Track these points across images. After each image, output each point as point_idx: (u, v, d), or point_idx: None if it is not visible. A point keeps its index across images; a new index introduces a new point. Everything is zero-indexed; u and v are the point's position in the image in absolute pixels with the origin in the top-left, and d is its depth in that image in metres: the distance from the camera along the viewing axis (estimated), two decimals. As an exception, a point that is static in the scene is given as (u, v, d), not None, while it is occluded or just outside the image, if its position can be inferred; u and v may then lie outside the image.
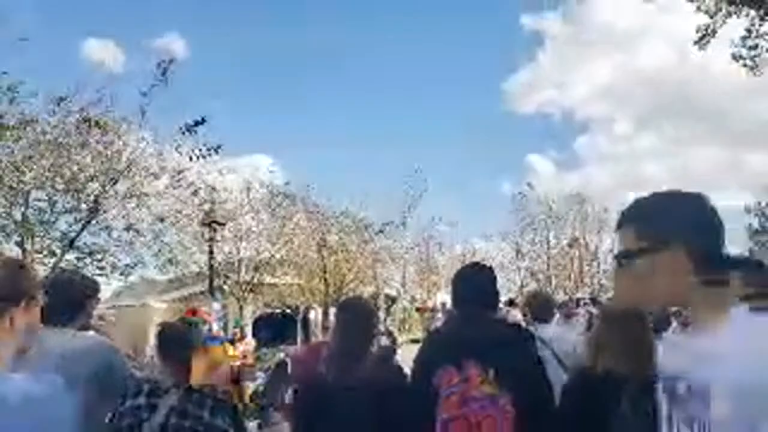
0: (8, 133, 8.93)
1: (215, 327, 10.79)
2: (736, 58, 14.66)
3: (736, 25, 14.05)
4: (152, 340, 2.93)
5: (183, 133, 9.87)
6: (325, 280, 17.98)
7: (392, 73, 67.42)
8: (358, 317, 2.55)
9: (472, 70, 71.31)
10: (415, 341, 16.23)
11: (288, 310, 20.31)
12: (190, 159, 9.44)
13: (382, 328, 11.03)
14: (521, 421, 2.07)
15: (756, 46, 14.39)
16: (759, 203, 35.39)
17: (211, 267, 12.29)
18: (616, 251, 1.26)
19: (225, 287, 16.21)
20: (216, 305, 11.68)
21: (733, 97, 70.00)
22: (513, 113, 72.58)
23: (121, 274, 11.22)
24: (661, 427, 1.21)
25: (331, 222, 20.42)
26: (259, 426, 7.42)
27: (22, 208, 9.75)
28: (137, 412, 2.01)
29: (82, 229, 10.13)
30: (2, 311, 1.40)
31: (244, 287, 16.16)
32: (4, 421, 1.27)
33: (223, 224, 12.81)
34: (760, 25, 13.87)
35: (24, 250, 9.49)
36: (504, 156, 72.86)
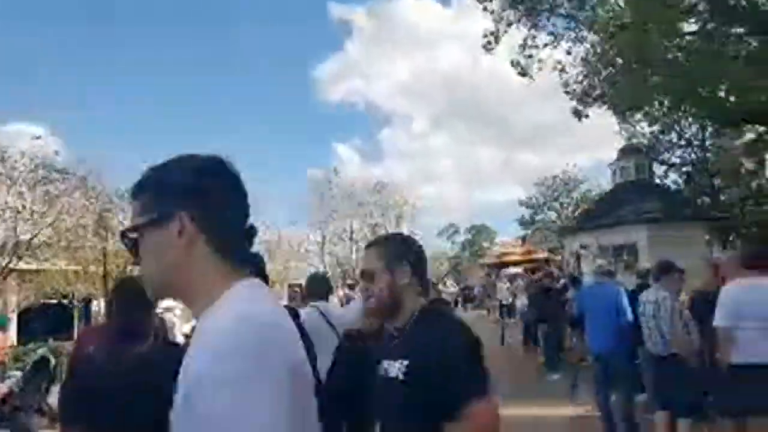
0: None
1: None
2: (513, 64, 16.46)
3: (519, 34, 15.58)
4: None
5: None
6: (105, 265, 16.07)
7: (199, 49, 63.90)
8: (133, 296, 2.39)
9: (282, 54, 71.02)
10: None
11: (64, 300, 17.80)
12: None
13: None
14: None
15: (531, 56, 16.32)
16: (530, 197, 40.93)
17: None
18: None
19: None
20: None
21: (513, 102, 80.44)
22: (320, 101, 74.06)
23: None
24: None
25: (113, 203, 18.42)
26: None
27: None
28: None
29: None
30: None
31: (1, 273, 13.57)
32: None
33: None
34: (534, 36, 15.62)
35: None
36: (311, 143, 73.90)
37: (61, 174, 15.10)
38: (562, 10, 14.86)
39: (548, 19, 15.36)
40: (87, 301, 18.70)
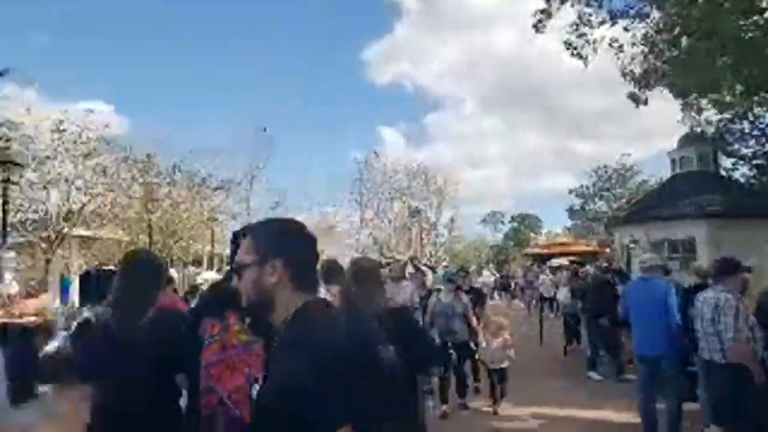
0: None
1: (8, 277, 9.29)
2: (566, 45, 15.52)
3: (573, 12, 14.52)
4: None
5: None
6: (151, 236, 16.33)
7: (249, 31, 64.52)
8: (143, 271, 2.65)
9: (329, 36, 70.86)
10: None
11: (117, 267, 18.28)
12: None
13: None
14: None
15: (584, 35, 15.30)
16: (580, 186, 39.53)
17: (3, 212, 10.28)
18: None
19: (32, 238, 13.97)
20: (8, 255, 9.94)
21: (568, 87, 77.71)
22: (368, 83, 73.62)
23: None
24: None
25: (162, 175, 18.70)
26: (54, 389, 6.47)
27: None
28: None
29: None
30: None
31: (53, 239, 13.94)
32: None
33: (21, 165, 10.74)
34: (589, 14, 14.53)
35: None
36: (357, 126, 73.78)
37: (111, 147, 15.35)
38: (621, -18, 13.78)
39: (605, -6, 14.22)
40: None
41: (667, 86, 14.44)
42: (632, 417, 5.87)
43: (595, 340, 9.21)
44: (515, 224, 66.14)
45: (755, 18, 10.02)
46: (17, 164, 10.30)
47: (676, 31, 11.51)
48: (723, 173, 18.60)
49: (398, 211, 37.32)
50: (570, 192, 40.70)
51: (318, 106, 68.88)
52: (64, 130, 13.80)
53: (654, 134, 66.94)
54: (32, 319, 6.13)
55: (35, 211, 14.09)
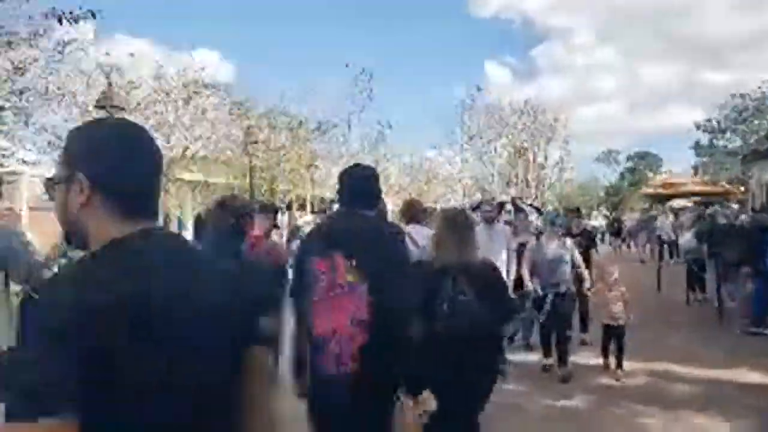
0: None
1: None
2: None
3: None
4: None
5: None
6: (251, 179, 16.69)
7: None
8: (230, 216, 2.76)
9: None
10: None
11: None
12: (59, 21, 7.70)
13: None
14: (376, 304, 2.26)
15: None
16: (709, 120, 35.39)
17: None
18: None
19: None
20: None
21: (693, 11, 69.32)
22: (472, 17, 70.08)
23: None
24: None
25: (261, 118, 18.97)
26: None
27: None
28: None
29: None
30: None
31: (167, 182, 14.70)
32: None
33: (123, 108, 11.13)
34: None
35: None
36: (461, 62, 70.97)
37: (209, 89, 15.64)
38: None
39: None
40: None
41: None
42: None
43: (732, 287, 8.07)
44: (632, 163, 61.44)
45: None
46: (119, 108, 10.67)
47: None
48: None
49: (503, 151, 35.91)
50: (697, 127, 36.60)
51: (421, 43, 66.84)
52: (163, 75, 14.17)
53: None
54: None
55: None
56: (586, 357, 6.11)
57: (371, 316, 2.26)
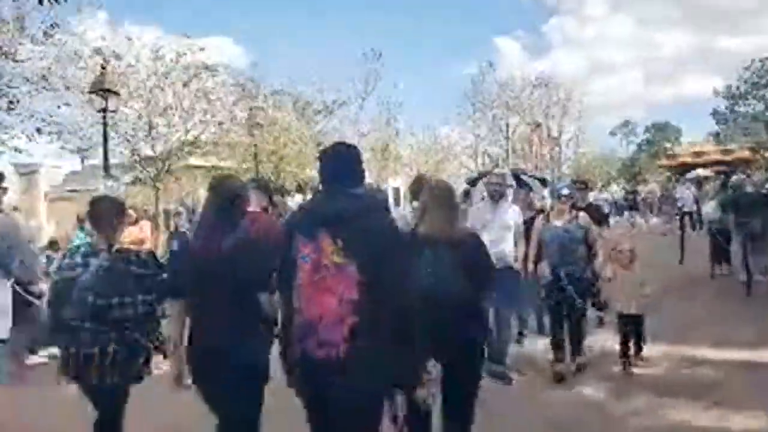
0: None
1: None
2: None
3: None
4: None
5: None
6: (257, 163, 16.31)
7: None
8: (223, 198, 2.75)
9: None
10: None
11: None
12: (40, 2, 7.31)
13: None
14: (366, 285, 2.21)
15: None
16: (729, 86, 34.21)
17: (105, 140, 10.51)
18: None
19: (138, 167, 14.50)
20: (108, 183, 10.21)
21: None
22: (480, -10, 68.41)
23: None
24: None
25: (266, 98, 18.55)
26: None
27: None
28: (74, 268, 2.85)
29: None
30: None
31: (159, 168, 14.34)
32: None
33: (118, 93, 10.81)
34: None
35: None
36: (470, 37, 69.65)
37: (210, 71, 15.19)
38: None
39: None
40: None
41: None
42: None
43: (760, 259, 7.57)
44: (650, 135, 60.00)
45: None
46: (114, 92, 10.36)
47: None
48: None
49: (516, 126, 35.33)
50: (716, 94, 35.41)
51: (429, 21, 65.37)
52: (161, 57, 13.76)
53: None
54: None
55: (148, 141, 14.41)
56: (603, 339, 5.66)
57: (361, 296, 2.19)
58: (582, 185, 6.94)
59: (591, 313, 5.43)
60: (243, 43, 55.82)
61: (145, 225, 9.60)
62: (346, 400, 2.19)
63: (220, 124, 15.55)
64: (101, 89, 10.40)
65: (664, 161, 28.31)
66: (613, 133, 60.34)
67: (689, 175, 20.80)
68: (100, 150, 11.06)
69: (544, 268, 4.92)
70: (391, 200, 21.78)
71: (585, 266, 4.88)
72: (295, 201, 14.20)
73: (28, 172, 26.01)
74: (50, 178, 27.96)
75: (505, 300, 4.62)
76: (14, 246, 4.62)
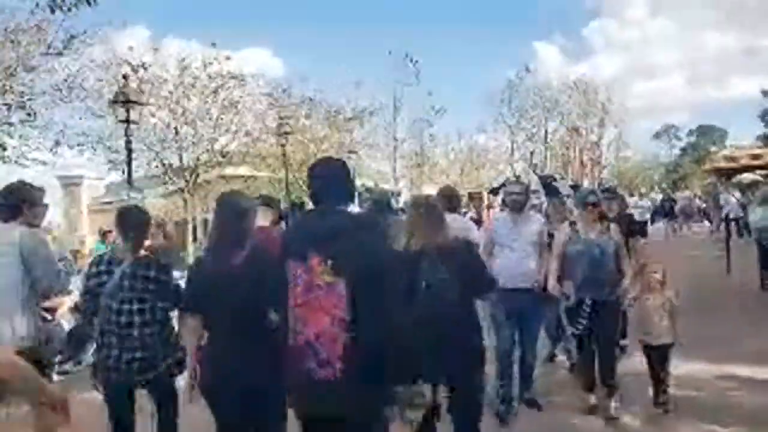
0: None
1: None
2: None
3: None
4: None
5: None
6: (286, 170, 16.25)
7: None
8: (231, 215, 2.78)
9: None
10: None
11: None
12: (52, 11, 7.38)
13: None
14: (357, 302, 2.21)
15: None
16: (777, 86, 32.71)
17: (129, 152, 10.52)
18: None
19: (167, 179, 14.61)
20: (132, 194, 10.24)
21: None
22: (518, -5, 67.59)
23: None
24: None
25: (296, 107, 18.52)
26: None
27: None
28: (99, 276, 3.01)
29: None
30: None
31: (189, 180, 14.40)
32: None
33: (141, 104, 10.85)
34: None
35: None
36: (508, 42, 68.79)
37: (238, 80, 15.22)
38: None
39: None
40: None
41: None
42: None
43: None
44: (693, 138, 57.97)
45: None
46: (137, 103, 10.36)
47: None
48: None
49: (555, 131, 34.66)
50: (764, 94, 33.99)
51: (468, 27, 64.82)
52: (186, 68, 13.83)
53: None
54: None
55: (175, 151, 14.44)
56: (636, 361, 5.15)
57: (354, 314, 2.21)
58: (612, 193, 6.21)
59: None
60: (281, 55, 56.70)
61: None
62: (349, 418, 2.23)
63: (247, 134, 15.51)
64: (123, 100, 10.43)
65: (708, 165, 27.08)
66: (656, 137, 58.60)
67: (735, 180, 19.74)
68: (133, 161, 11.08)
69: (569, 289, 4.17)
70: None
71: (615, 287, 4.14)
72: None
73: (70, 184, 26.78)
74: (93, 190, 28.74)
75: (532, 322, 4.33)
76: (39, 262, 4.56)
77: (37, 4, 9.07)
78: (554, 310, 4.76)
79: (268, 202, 4.45)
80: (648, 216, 17.68)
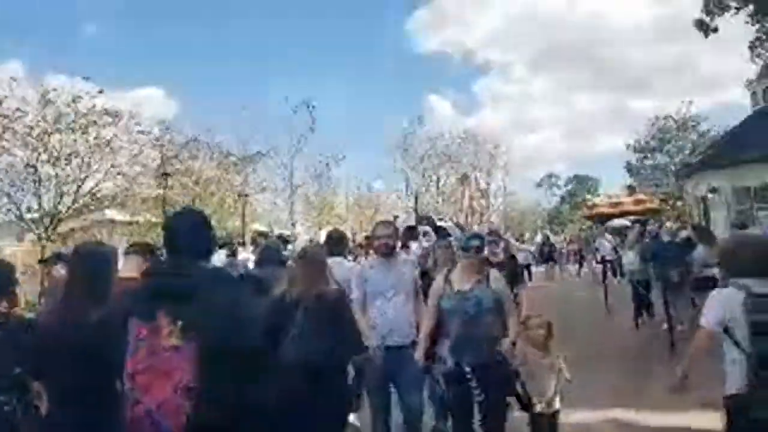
0: None
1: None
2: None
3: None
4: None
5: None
6: (165, 212, 15.12)
7: (293, 10, 63.03)
8: (85, 266, 2.60)
9: (374, 6, 68.57)
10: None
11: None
12: None
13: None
14: (205, 370, 2.01)
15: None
16: (638, 140, 36.49)
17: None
18: None
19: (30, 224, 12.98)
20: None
21: (618, 44, 73.04)
22: (414, 53, 71.26)
23: None
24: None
25: (178, 149, 17.51)
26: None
27: None
28: None
29: None
30: None
31: (48, 225, 12.83)
32: None
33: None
34: None
35: None
36: (404, 96, 71.71)
37: (110, 116, 14.05)
38: None
39: None
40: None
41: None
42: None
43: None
44: (571, 187, 62.88)
45: None
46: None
47: None
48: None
49: (446, 178, 36.09)
50: (627, 147, 37.84)
51: (364, 79, 66.69)
52: (50, 102, 12.57)
53: (716, 86, 62.74)
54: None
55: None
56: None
57: (200, 382, 2.01)
58: (496, 236, 5.87)
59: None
60: (175, 95, 54.59)
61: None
62: None
63: (123, 175, 14.27)
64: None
65: (585, 211, 29.20)
66: (539, 185, 62.75)
67: (609, 225, 21.27)
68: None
69: (443, 351, 3.50)
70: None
71: (498, 346, 3.49)
72: (219, 257, 13.29)
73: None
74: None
75: (411, 386, 3.75)
76: None
77: None
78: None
79: (139, 250, 3.92)
80: (530, 259, 18.34)
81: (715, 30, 13.49)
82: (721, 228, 9.97)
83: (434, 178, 36.24)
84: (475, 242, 3.65)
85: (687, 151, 32.58)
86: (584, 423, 4.56)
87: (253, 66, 57.43)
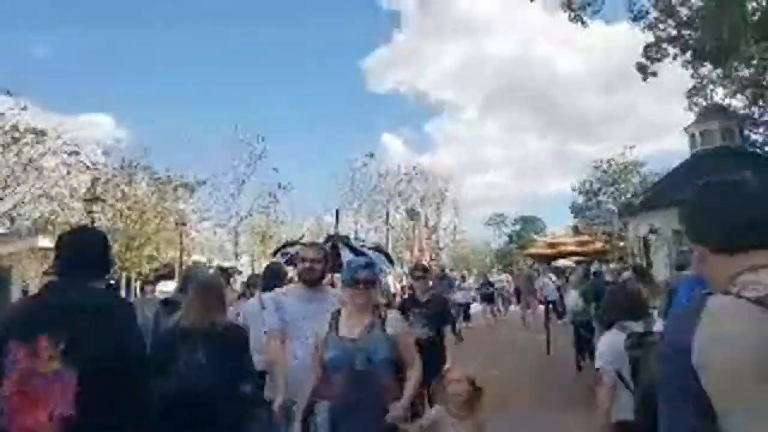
0: None
1: None
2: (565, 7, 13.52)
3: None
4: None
5: None
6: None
7: (247, 46, 63.01)
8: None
9: (330, 45, 69.52)
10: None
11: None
12: None
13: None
14: (87, 396, 1.94)
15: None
16: (583, 183, 37.60)
17: None
18: None
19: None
20: None
21: (567, 90, 76.42)
22: (369, 92, 72.26)
23: None
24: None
25: (112, 173, 16.63)
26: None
27: None
28: None
29: None
30: None
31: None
32: None
33: None
34: None
35: None
36: (359, 135, 72.34)
37: (36, 135, 13.11)
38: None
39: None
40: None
41: (683, 49, 12.43)
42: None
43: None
44: (518, 227, 64.16)
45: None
46: None
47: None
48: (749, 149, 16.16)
49: (395, 215, 36.08)
50: (573, 189, 38.97)
51: (318, 117, 67.04)
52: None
53: (657, 133, 66.25)
54: None
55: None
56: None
57: (79, 410, 1.90)
58: (422, 271, 5.26)
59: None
60: (124, 124, 52.96)
61: None
62: None
63: (50, 198, 13.27)
64: None
65: (530, 251, 29.57)
66: (488, 224, 63.75)
67: (553, 265, 21.44)
68: None
69: (321, 414, 2.69)
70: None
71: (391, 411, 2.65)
72: (159, 289, 12.49)
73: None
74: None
75: None
76: None
77: None
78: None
79: (51, 272, 3.68)
80: (471, 299, 17.74)
81: (654, 74, 13.95)
82: (661, 267, 9.94)
83: (384, 213, 36.10)
84: (363, 274, 2.83)
85: (629, 194, 33.76)
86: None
87: (204, 96, 56.86)
